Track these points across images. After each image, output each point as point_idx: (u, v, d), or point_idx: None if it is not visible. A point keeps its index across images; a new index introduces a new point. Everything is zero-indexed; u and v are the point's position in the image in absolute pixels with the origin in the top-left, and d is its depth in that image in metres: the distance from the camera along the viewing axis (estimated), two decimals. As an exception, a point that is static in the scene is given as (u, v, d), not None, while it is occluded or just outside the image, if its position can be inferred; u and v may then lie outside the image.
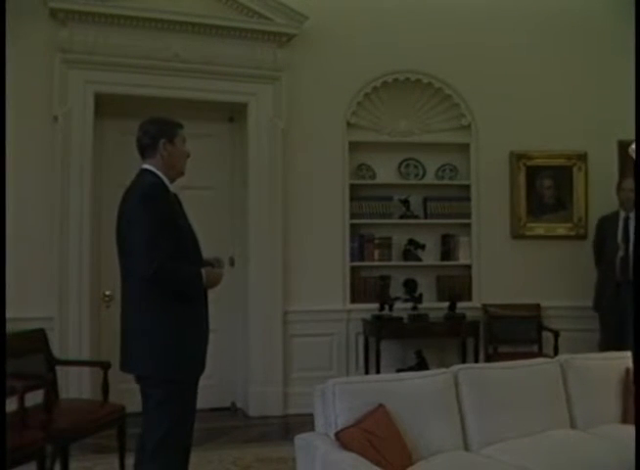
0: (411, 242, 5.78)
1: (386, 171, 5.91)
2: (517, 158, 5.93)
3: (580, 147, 5.94)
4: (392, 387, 3.05)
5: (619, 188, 5.51)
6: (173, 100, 5.13)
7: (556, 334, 5.55)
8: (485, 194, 5.89)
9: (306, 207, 5.56)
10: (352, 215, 5.71)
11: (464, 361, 5.43)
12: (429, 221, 5.87)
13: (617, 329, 5.21)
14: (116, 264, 2.98)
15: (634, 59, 3.92)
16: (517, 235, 5.93)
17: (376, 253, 5.80)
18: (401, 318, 5.48)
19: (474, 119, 5.88)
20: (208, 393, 5.21)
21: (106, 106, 5.10)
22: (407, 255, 5.82)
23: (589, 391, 3.50)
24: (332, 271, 5.61)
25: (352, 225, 5.72)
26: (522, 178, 5.94)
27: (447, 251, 5.92)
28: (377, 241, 5.80)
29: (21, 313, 4.26)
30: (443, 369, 3.30)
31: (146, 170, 2.94)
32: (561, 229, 5.98)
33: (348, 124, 5.73)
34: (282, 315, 5.44)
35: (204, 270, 2.89)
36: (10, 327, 3.06)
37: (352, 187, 5.74)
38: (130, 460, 3.28)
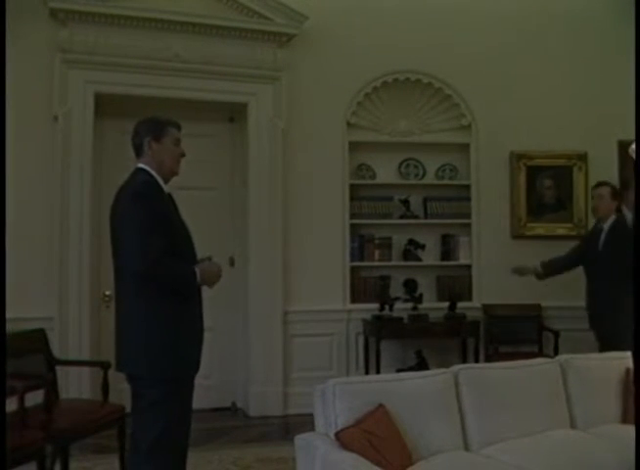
0: (411, 242, 5.78)
1: (386, 171, 5.92)
2: (517, 158, 5.93)
3: (580, 147, 5.95)
4: (392, 387, 3.04)
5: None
6: (173, 100, 5.13)
7: (556, 334, 5.56)
8: (485, 194, 5.90)
9: (306, 207, 5.56)
10: (352, 215, 5.72)
11: (464, 361, 5.44)
12: (429, 221, 5.88)
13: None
14: (116, 264, 2.98)
15: (634, 59, 3.93)
16: (517, 235, 5.93)
17: (376, 253, 5.80)
18: (401, 318, 5.48)
19: (474, 119, 5.89)
20: (209, 393, 5.25)
21: (106, 106, 5.10)
22: (407, 255, 5.82)
23: (589, 391, 3.50)
24: (332, 271, 5.62)
25: (352, 225, 5.72)
26: (522, 178, 5.95)
27: (447, 251, 5.92)
28: (377, 241, 5.80)
29: (21, 313, 4.26)
30: (443, 369, 3.29)
31: (140, 169, 2.92)
32: (561, 229, 5.98)
33: (348, 124, 5.73)
34: (282, 315, 5.44)
35: (197, 268, 2.86)
36: (10, 327, 3.05)
37: (352, 187, 5.74)
38: (130, 460, 3.28)
